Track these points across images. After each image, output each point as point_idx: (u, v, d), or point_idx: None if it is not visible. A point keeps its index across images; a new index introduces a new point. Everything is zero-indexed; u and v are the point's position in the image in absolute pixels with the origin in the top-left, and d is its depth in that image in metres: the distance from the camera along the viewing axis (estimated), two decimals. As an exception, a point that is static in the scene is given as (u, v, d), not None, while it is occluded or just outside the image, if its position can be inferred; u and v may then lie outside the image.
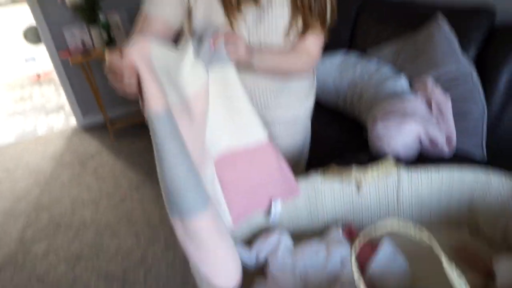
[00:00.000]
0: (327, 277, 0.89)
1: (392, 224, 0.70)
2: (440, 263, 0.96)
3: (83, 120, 3.56)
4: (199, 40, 0.79)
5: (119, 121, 3.38)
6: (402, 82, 1.45)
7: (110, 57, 0.67)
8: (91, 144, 3.23)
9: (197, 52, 0.77)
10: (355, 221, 1.09)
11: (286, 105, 1.15)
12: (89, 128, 3.54)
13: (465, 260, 0.97)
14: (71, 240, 2.15)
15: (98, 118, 3.59)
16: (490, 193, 0.99)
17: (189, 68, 0.76)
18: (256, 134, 0.92)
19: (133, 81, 0.68)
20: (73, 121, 3.68)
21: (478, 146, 1.30)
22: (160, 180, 0.72)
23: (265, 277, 0.93)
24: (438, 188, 1.03)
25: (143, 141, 3.19)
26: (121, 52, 0.66)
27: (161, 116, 0.67)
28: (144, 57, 0.67)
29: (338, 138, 1.61)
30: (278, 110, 1.14)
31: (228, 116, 0.88)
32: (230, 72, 0.84)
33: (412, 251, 0.96)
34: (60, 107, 4.15)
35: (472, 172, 1.00)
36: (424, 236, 0.68)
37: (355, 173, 0.93)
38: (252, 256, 0.98)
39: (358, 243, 0.69)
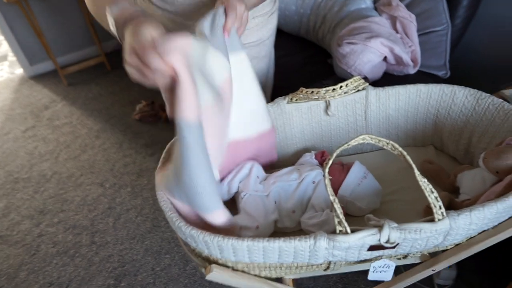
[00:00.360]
0: (301, 200, 0.88)
1: (364, 136, 0.67)
2: (407, 181, 0.98)
3: (31, 69, 3.29)
4: (211, 26, 0.73)
5: (71, 66, 3.14)
6: (366, 1, 1.38)
7: (142, 53, 0.53)
8: (43, 94, 3.02)
9: (210, 41, 0.72)
10: (325, 147, 1.07)
11: (250, 28, 1.07)
12: (39, 77, 3.29)
13: (431, 177, 0.98)
14: (31, 196, 2.05)
15: (47, 65, 3.33)
16: (454, 107, 0.98)
17: (212, 58, 0.70)
18: (262, 124, 0.92)
19: (165, 84, 0.57)
20: (19, 71, 3.39)
21: (441, 62, 1.29)
22: (177, 173, 0.69)
23: (237, 210, 0.91)
24: (405, 104, 1.01)
25: (99, 85, 3.01)
26: (154, 47, 0.53)
27: (193, 125, 0.61)
28: (185, 58, 0.56)
29: (302, 66, 1.55)
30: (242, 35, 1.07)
31: (239, 104, 0.85)
32: (244, 57, 0.82)
33: (381, 174, 0.97)
34: (3, 57, 3.80)
35: (437, 86, 0.99)
36: (396, 145, 0.66)
37: (323, 92, 0.88)
38: (223, 189, 0.95)
39: (330, 160, 0.66)
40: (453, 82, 1.06)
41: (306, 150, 1.06)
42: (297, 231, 0.88)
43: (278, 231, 0.88)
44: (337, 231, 0.65)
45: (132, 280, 1.53)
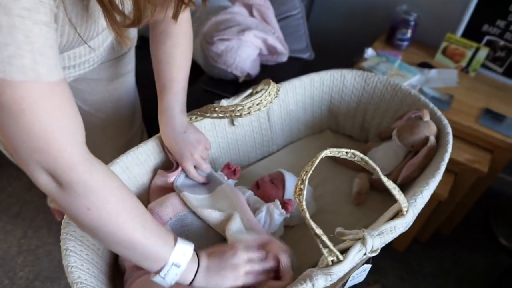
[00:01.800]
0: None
1: (326, 152, 0.61)
2: (323, 173, 0.99)
3: None
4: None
5: None
6: (215, -9, 1.29)
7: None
8: None
9: None
10: (233, 160, 0.98)
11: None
12: None
13: (340, 161, 1.00)
14: None
15: None
16: (345, 89, 1.01)
17: None
18: None
19: None
20: None
21: (304, 45, 1.33)
22: None
23: None
24: (302, 96, 1.00)
25: None
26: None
27: None
28: None
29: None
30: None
31: None
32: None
33: (297, 172, 0.94)
34: None
35: (327, 72, 1.00)
36: (356, 153, 0.62)
37: (247, 106, 0.77)
38: None
39: (304, 191, 0.58)
40: (317, 63, 1.10)
41: (214, 167, 0.95)
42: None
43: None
44: (330, 262, 0.59)
45: None
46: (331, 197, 0.93)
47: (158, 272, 0.55)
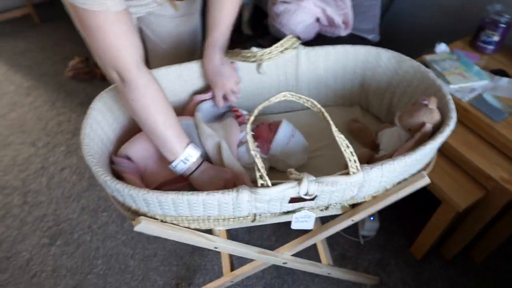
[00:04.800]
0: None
1: (285, 93, 0.69)
2: (332, 138, 1.03)
3: None
4: None
5: (-8, 18, 2.83)
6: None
7: None
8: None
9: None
10: (256, 105, 1.09)
11: None
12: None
13: (356, 135, 1.04)
14: (-47, 157, 1.90)
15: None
16: (379, 68, 1.03)
17: None
18: None
19: None
20: None
21: (371, 26, 1.33)
22: None
23: None
24: (333, 64, 1.05)
25: (26, 39, 2.77)
26: None
27: None
28: None
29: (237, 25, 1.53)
30: None
31: None
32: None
33: (308, 131, 1.01)
34: None
35: (363, 48, 1.03)
36: (315, 103, 0.69)
37: (259, 54, 0.89)
38: None
39: (252, 117, 0.68)
40: (382, 46, 1.11)
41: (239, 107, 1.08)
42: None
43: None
44: (259, 185, 0.68)
45: (68, 238, 1.51)
46: (327, 160, 0.99)
47: (170, 162, 0.80)
